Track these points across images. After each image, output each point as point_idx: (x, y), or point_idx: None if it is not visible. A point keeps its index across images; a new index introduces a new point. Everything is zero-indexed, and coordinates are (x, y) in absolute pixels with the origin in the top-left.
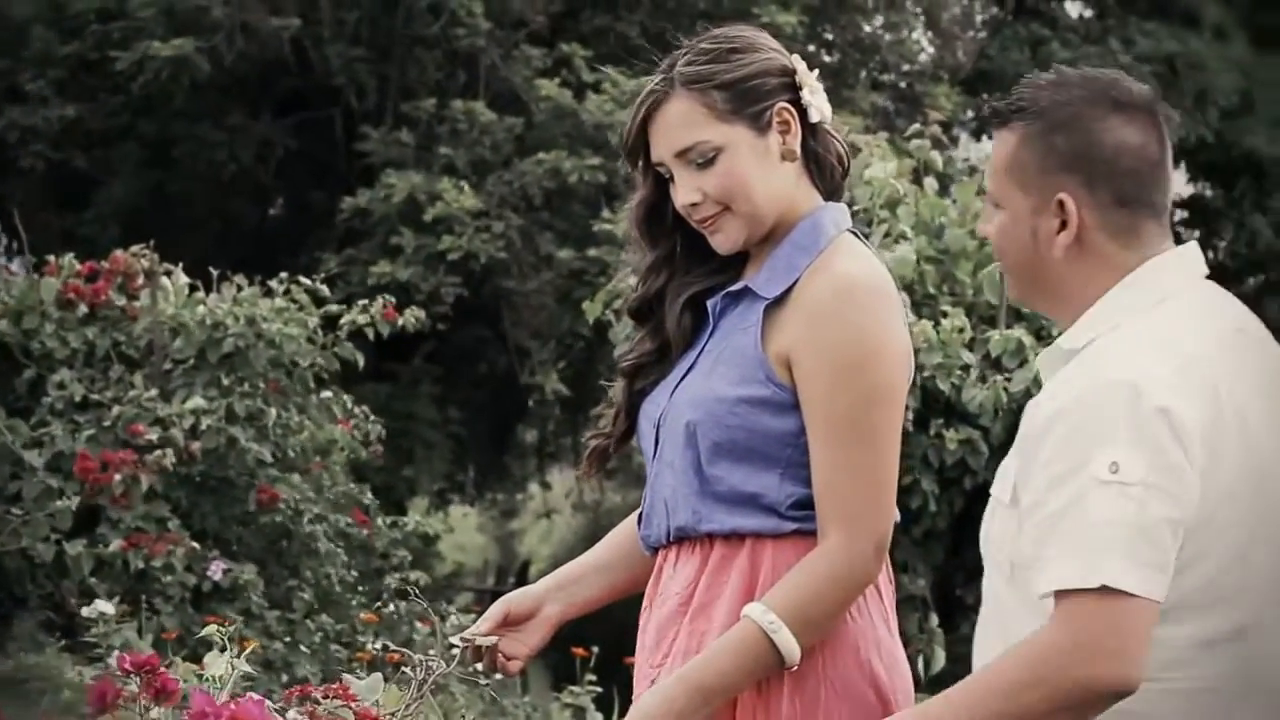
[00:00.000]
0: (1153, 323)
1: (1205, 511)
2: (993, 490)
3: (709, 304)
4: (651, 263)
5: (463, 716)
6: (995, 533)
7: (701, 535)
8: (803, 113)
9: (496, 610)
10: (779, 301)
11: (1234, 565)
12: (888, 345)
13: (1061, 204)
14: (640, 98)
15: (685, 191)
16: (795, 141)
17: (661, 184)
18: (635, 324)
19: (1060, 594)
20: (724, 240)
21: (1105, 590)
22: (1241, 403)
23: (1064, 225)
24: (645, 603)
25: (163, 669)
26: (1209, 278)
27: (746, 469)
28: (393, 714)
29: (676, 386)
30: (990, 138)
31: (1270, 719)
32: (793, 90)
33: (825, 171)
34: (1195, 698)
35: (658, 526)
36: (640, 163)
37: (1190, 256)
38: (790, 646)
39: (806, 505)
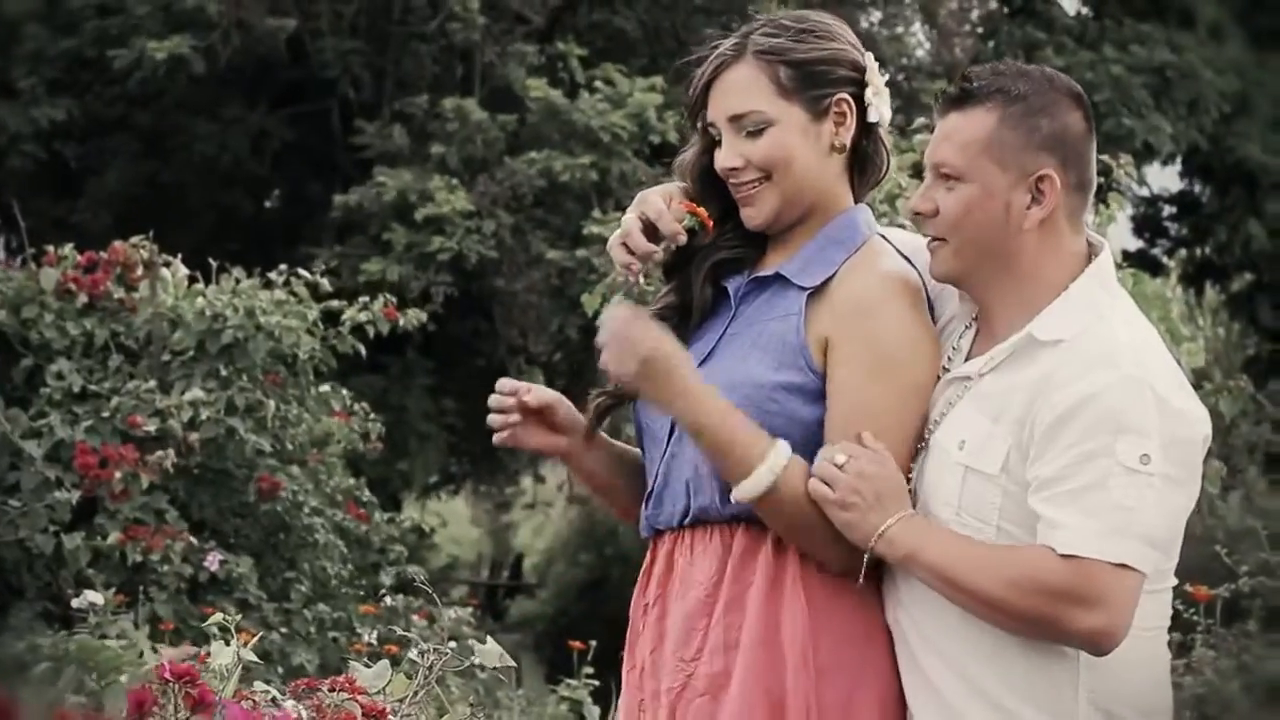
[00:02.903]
0: (1133, 315)
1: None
2: (965, 461)
3: (730, 288)
4: None
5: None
6: (973, 501)
7: (725, 519)
8: (862, 111)
9: (551, 398)
10: (816, 292)
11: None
12: (925, 345)
13: (1042, 179)
14: (710, 58)
15: (729, 155)
16: (847, 136)
17: (713, 145)
18: (664, 279)
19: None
20: (755, 214)
21: (1118, 565)
22: None
23: (1034, 200)
24: (656, 589)
25: (202, 681)
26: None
27: None
28: (400, 701)
29: (698, 368)
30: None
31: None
32: (858, 85)
33: (868, 174)
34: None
35: (671, 507)
36: (698, 121)
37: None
38: (759, 486)
39: None
